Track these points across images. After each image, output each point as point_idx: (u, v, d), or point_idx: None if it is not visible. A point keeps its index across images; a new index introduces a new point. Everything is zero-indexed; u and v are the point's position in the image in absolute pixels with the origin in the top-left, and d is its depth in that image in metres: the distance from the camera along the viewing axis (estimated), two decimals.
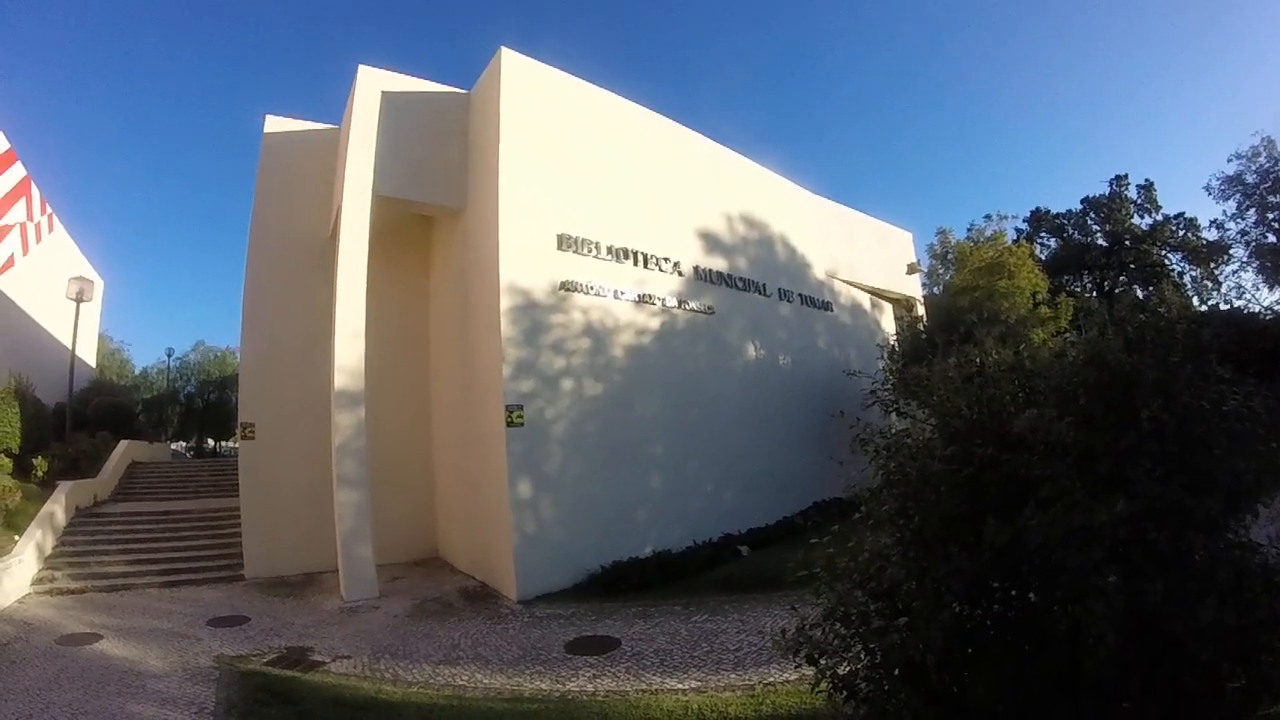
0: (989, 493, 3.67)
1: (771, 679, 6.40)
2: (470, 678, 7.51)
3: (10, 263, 20.74)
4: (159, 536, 14.86)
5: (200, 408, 40.46)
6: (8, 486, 13.77)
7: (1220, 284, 37.74)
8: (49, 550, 13.31)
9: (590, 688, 6.84)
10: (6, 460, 14.37)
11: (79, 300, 20.44)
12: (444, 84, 14.02)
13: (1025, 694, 3.36)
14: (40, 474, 16.08)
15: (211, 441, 41.91)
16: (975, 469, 3.72)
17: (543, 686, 7.05)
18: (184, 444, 39.70)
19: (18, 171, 20.69)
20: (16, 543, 12.48)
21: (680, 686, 6.60)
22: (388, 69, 13.37)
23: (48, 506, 14.10)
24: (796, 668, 4.13)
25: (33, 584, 12.06)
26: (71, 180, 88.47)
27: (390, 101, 13.04)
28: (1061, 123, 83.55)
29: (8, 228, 20.31)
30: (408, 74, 13.59)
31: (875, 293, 21.73)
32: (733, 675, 6.76)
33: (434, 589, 12.09)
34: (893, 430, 4.72)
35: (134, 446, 21.35)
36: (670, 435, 13.36)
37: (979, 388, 4.22)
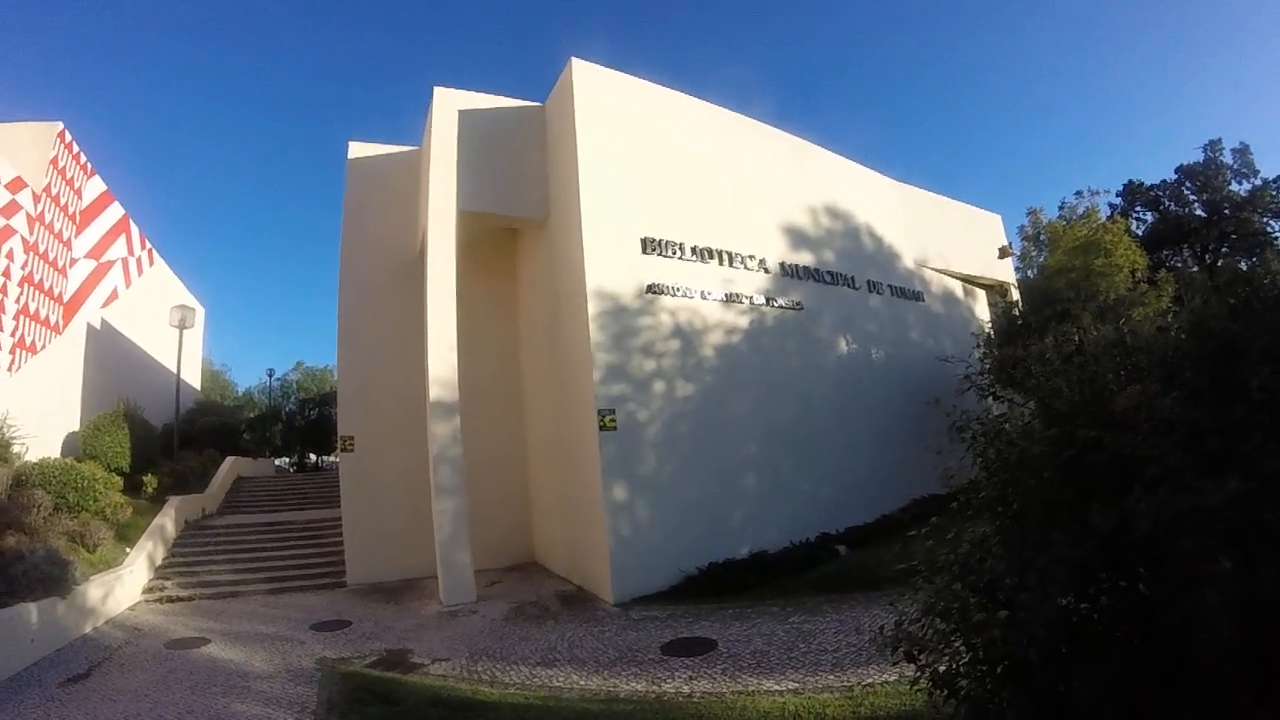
0: (1092, 476, 3.48)
1: (870, 680, 6.32)
2: (566, 679, 7.61)
3: (114, 295, 22.10)
4: (264, 546, 15.66)
5: (301, 424, 42.01)
6: (119, 502, 14.52)
7: None
8: (159, 561, 14.19)
9: (686, 689, 6.84)
10: (117, 478, 15.23)
11: (182, 327, 21.86)
12: (518, 98, 14.31)
13: (1134, 690, 3.18)
14: (150, 490, 17.03)
15: (313, 456, 43.44)
16: (1077, 451, 3.52)
17: (638, 688, 7.09)
18: (287, 459, 41.35)
19: (116, 211, 22.03)
20: (128, 554, 13.29)
21: (777, 688, 6.55)
22: (462, 88, 13.76)
23: (157, 520, 15.06)
24: (895, 665, 4.02)
25: (144, 592, 12.86)
26: (175, 218, 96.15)
27: (467, 119, 13.45)
28: (1151, 89, 79.74)
29: (110, 263, 21.64)
30: (481, 91, 13.94)
31: (967, 280, 21.07)
32: (831, 676, 6.68)
33: (531, 593, 12.29)
34: (990, 416, 4.56)
35: (239, 462, 22.78)
36: (764, 434, 13.26)
37: (1078, 367, 4.04)
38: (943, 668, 3.77)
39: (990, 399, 13.86)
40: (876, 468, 15.00)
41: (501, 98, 14.12)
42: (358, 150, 15.81)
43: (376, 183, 15.68)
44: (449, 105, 13.43)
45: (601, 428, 11.34)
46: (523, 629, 10.02)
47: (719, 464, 12.54)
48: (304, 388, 48.06)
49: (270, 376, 46.08)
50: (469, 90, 13.85)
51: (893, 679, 6.04)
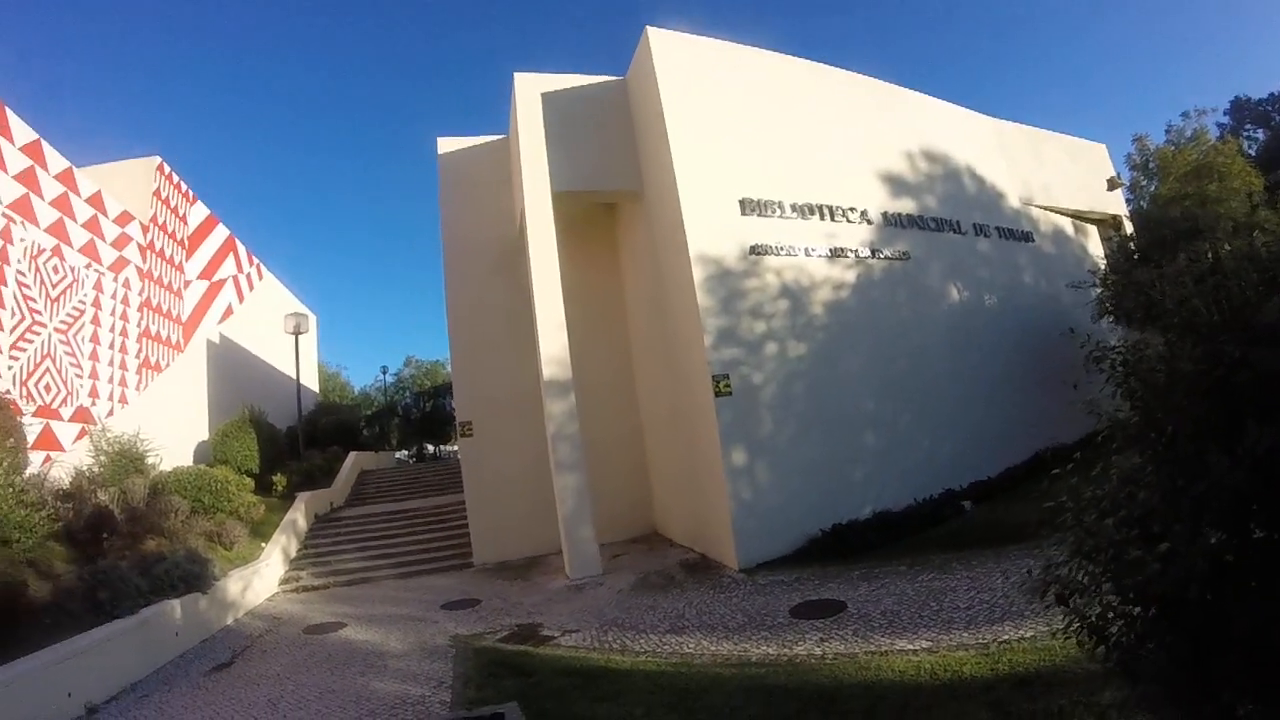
0: (1242, 396, 3.16)
1: (1006, 637, 6.10)
2: (696, 645, 7.59)
3: (230, 311, 23.41)
4: (391, 534, 16.28)
5: (417, 417, 43.28)
6: (251, 502, 15.41)
7: None
8: (293, 553, 14.94)
9: (818, 651, 6.72)
10: (248, 480, 16.10)
11: (297, 333, 22.91)
12: (596, 75, 14.31)
13: None
14: (280, 489, 17.93)
15: (430, 447, 44.69)
16: (1225, 370, 3.20)
17: (770, 651, 7.01)
18: (405, 452, 42.74)
19: (221, 232, 23.25)
20: (263, 549, 14.07)
21: (911, 647, 6.38)
22: (540, 71, 13.85)
23: (289, 515, 15.88)
24: (1047, 608, 3.82)
25: (280, 584, 13.60)
26: (277, 233, 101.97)
27: (550, 101, 13.54)
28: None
29: (221, 282, 22.86)
30: (560, 72, 14.00)
31: (1076, 215, 19.93)
32: (965, 634, 6.46)
33: (655, 563, 12.33)
34: (1127, 344, 4.23)
35: (361, 457, 23.89)
36: (880, 390, 12.87)
37: (1213, 287, 3.68)
38: (1094, 613, 3.55)
39: (1120, 325, 13.09)
40: (997, 419, 14.38)
41: (581, 76, 14.14)
42: (446, 145, 16.25)
43: (468, 174, 16.04)
44: (531, 89, 13.55)
45: (717, 393, 11.21)
46: (649, 598, 10.08)
47: (836, 423, 12.24)
48: (417, 381, 49.72)
49: (384, 373, 47.94)
50: (548, 73, 13.89)
51: (1029, 635, 5.92)
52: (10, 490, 9.08)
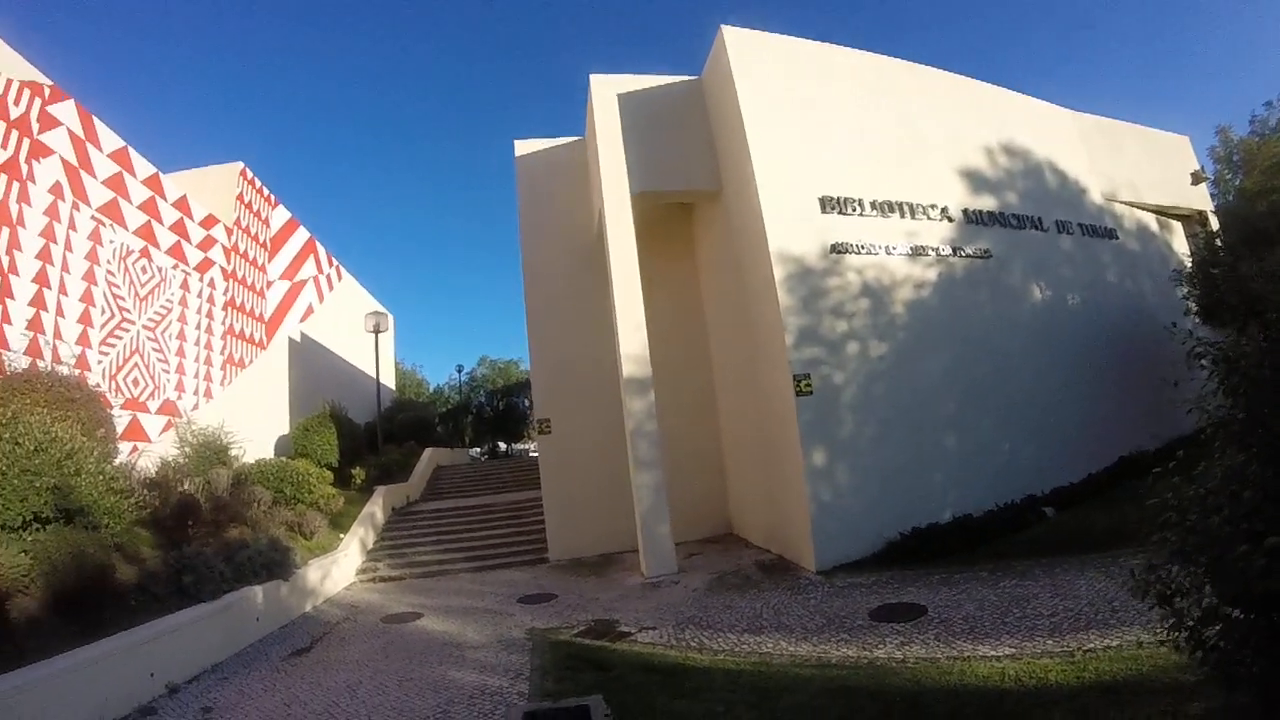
0: None
1: (1091, 645, 5.97)
2: (775, 645, 7.53)
3: (310, 310, 24.17)
4: (466, 528, 16.53)
5: (490, 415, 43.78)
6: (331, 494, 15.79)
7: None
8: (370, 544, 15.27)
9: (899, 655, 6.65)
10: (328, 473, 16.48)
11: (377, 331, 23.54)
12: (671, 75, 14.33)
13: None
14: (359, 482, 18.40)
15: (502, 445, 45.20)
16: None
17: (849, 654, 6.94)
18: (478, 449, 43.42)
19: (302, 235, 23.99)
20: (342, 540, 14.38)
21: (994, 653, 6.27)
22: (616, 73, 13.96)
23: (367, 508, 16.26)
24: (1151, 608, 3.83)
25: (357, 574, 13.88)
26: (356, 237, 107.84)
27: (627, 102, 13.64)
28: None
29: (302, 282, 23.54)
30: (635, 73, 14.06)
31: (1160, 211, 19.19)
32: (1049, 641, 6.33)
33: (730, 563, 12.27)
34: (1228, 340, 4.09)
35: (437, 452, 24.54)
36: (961, 392, 12.58)
37: None
38: (1194, 615, 3.51)
39: (1213, 325, 12.60)
40: (1081, 424, 13.94)
41: (655, 76, 14.19)
42: (523, 148, 16.43)
43: (545, 176, 16.23)
44: (607, 91, 13.66)
45: (798, 393, 11.10)
46: (726, 598, 10.02)
47: (917, 425, 12.01)
48: (490, 380, 50.36)
49: (459, 372, 48.61)
50: (623, 74, 13.97)
51: (1114, 644, 5.83)
52: (100, 478, 9.30)
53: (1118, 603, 6.88)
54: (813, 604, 9.05)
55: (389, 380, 30.34)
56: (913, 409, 12.01)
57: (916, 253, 12.76)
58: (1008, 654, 6.16)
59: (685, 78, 14.25)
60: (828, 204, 12.19)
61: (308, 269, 24.20)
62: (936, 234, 13.16)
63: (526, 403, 47.14)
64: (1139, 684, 4.90)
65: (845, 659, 6.78)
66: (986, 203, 14.13)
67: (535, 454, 18.58)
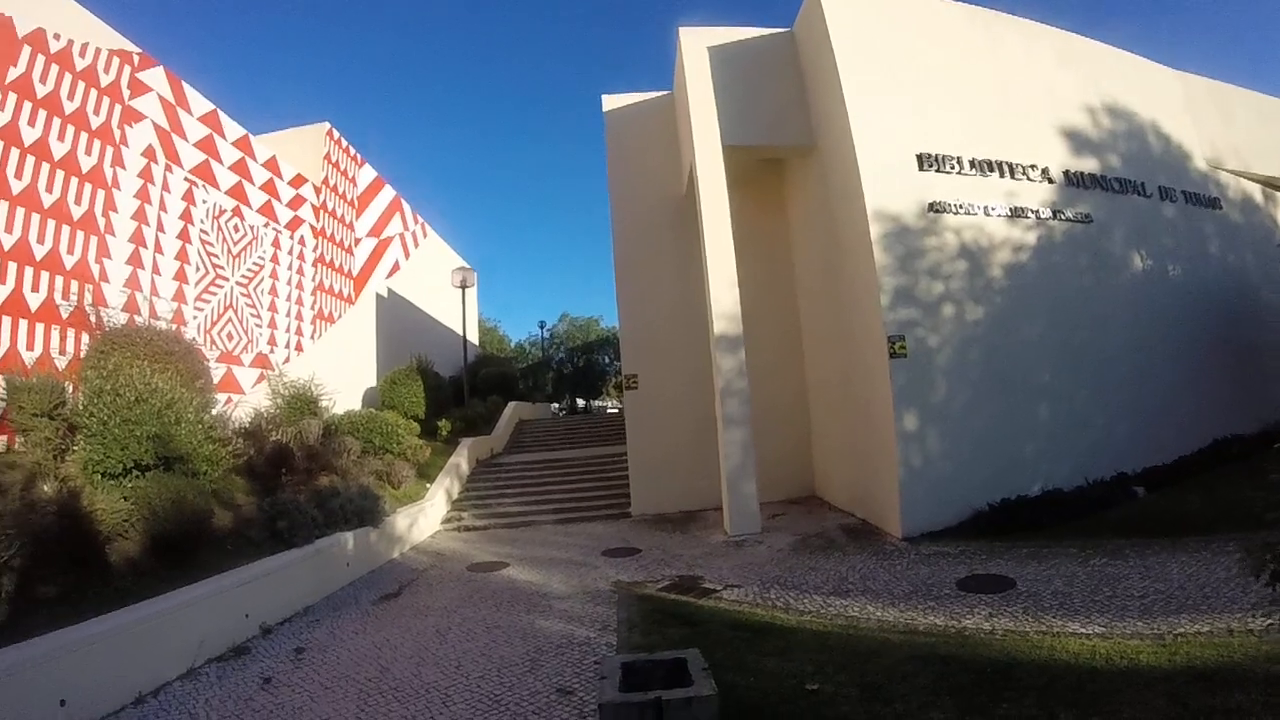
0: None
1: (1181, 630, 5.68)
2: (861, 610, 7.25)
3: (396, 267, 24.35)
4: (549, 481, 16.39)
5: (569, 371, 43.79)
6: (418, 445, 15.80)
7: None
8: (455, 495, 15.24)
9: (987, 626, 6.36)
10: (414, 424, 16.39)
11: (464, 287, 23.80)
12: (763, 27, 13.57)
13: None
14: (444, 434, 18.43)
15: (581, 401, 45.24)
16: None
17: (937, 622, 6.65)
18: (556, 405, 43.49)
19: (388, 193, 24.06)
20: (428, 489, 14.39)
21: (1083, 631, 5.96)
22: (705, 25, 13.28)
23: (453, 459, 16.21)
24: (1266, 584, 3.86)
25: (442, 523, 13.88)
26: (439, 193, 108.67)
27: (717, 55, 12.98)
28: None
29: (389, 240, 23.59)
30: (725, 25, 13.36)
31: (1267, 182, 17.55)
32: (1139, 623, 6.00)
33: (814, 525, 11.88)
34: None
35: (520, 407, 24.52)
36: (1056, 361, 11.69)
37: None
38: None
39: None
40: (1175, 402, 12.89)
41: (745, 29, 13.44)
42: (611, 103, 15.91)
43: (633, 131, 15.67)
44: (697, 43, 13.02)
45: (891, 354, 10.44)
46: (810, 559, 9.70)
47: (1011, 393, 11.20)
48: (571, 336, 50.43)
49: (542, 328, 48.76)
50: (712, 26, 13.30)
51: (1205, 630, 5.58)
52: (199, 426, 9.30)
53: (1209, 588, 6.59)
54: (899, 570, 8.68)
55: (472, 335, 30.51)
56: (1007, 376, 11.22)
57: (1015, 214, 11.82)
58: (1098, 632, 5.87)
59: (776, 30, 13.48)
60: (925, 161, 11.34)
61: (394, 226, 24.30)
62: (1036, 195, 12.16)
63: (606, 360, 47.24)
64: (1230, 671, 4.70)
65: (933, 627, 6.51)
66: (1087, 164, 12.99)
67: (612, 411, 18.27)
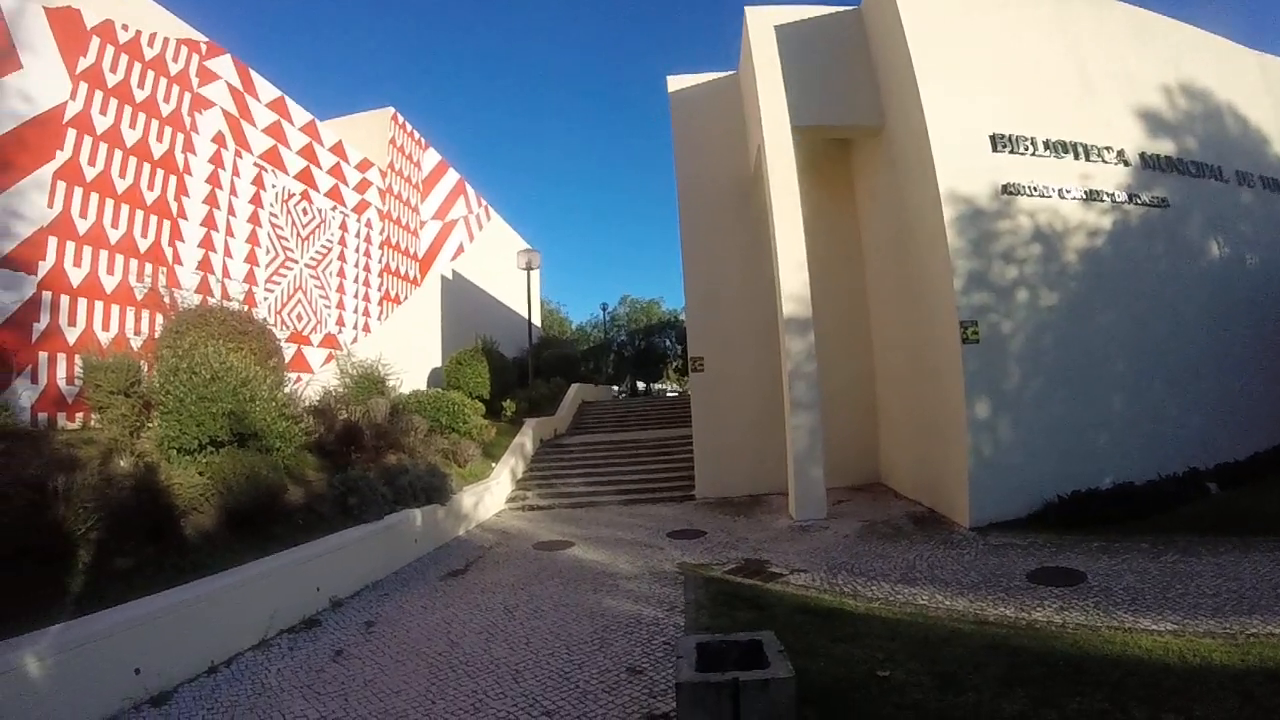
0: None
1: (1254, 630, 5.45)
2: (930, 598, 7.00)
3: (461, 249, 24.35)
4: (613, 462, 16.12)
5: (630, 354, 43.49)
6: (483, 425, 15.61)
7: None
8: (520, 474, 15.01)
9: (1058, 619, 6.12)
10: (479, 404, 16.20)
11: (529, 269, 23.62)
12: (829, 5, 12.99)
13: None
14: (509, 414, 18.19)
15: (641, 384, 44.98)
16: None
17: (1006, 613, 6.40)
18: (617, 387, 43.29)
19: (452, 177, 23.99)
20: (494, 469, 14.21)
21: (1155, 627, 5.72)
22: (771, 4, 12.77)
23: (517, 439, 16.00)
24: None
25: (507, 502, 13.70)
26: (502, 176, 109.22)
27: (784, 34, 12.44)
28: None
29: (453, 223, 23.58)
30: (791, 3, 12.83)
31: None
32: (1211, 622, 5.75)
33: (880, 512, 11.45)
34: None
35: (583, 389, 24.23)
36: (1131, 351, 10.95)
37: None
38: None
39: None
40: (1251, 396, 12.04)
41: (812, 7, 12.83)
42: (676, 83, 15.45)
43: (699, 112, 15.19)
44: (763, 23, 12.49)
45: (964, 340, 9.85)
46: (877, 546, 9.35)
47: (1084, 382, 10.51)
48: (632, 319, 50.12)
49: (604, 310, 48.53)
50: (779, 5, 12.77)
51: (1279, 631, 5.35)
52: (273, 404, 9.28)
53: None
54: (967, 560, 8.32)
55: (535, 317, 30.62)
56: (1081, 365, 10.53)
57: (1090, 197, 11.03)
58: (1170, 629, 5.64)
59: (843, 8, 12.90)
60: (999, 142, 10.65)
61: (458, 209, 24.25)
62: (1111, 178, 11.34)
63: (666, 343, 46.78)
64: None
65: (1003, 618, 6.27)
66: (1164, 147, 12.08)
67: (672, 394, 17.86)
